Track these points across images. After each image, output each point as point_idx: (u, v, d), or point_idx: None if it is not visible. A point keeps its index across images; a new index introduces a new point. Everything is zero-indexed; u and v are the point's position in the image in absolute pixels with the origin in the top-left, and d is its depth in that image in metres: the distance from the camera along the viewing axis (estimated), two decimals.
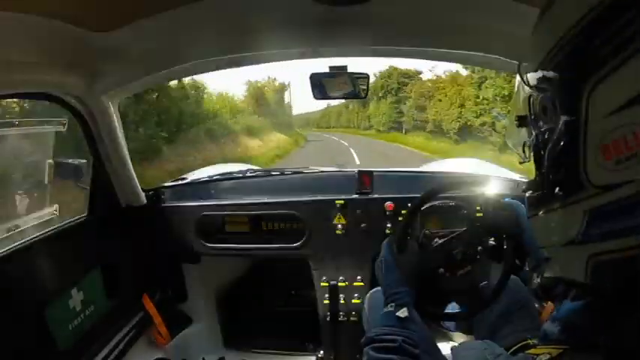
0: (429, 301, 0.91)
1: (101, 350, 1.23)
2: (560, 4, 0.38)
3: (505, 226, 0.91)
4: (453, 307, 1.11)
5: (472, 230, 0.93)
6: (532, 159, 0.45)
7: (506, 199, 0.98)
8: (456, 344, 0.95)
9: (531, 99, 0.43)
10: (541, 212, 0.44)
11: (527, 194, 0.47)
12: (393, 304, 0.77)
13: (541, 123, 0.42)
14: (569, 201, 0.38)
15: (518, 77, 0.48)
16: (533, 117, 0.44)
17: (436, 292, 0.93)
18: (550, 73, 0.39)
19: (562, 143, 0.38)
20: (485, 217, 1.04)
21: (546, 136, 0.41)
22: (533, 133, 0.44)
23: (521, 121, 0.47)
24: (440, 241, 0.93)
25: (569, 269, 0.42)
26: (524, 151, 0.48)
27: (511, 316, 0.98)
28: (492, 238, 0.96)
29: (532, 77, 0.42)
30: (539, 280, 0.79)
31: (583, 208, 0.37)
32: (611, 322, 0.40)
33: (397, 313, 0.74)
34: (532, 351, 0.48)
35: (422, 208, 1.01)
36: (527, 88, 0.44)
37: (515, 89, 0.51)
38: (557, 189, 0.39)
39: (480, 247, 0.91)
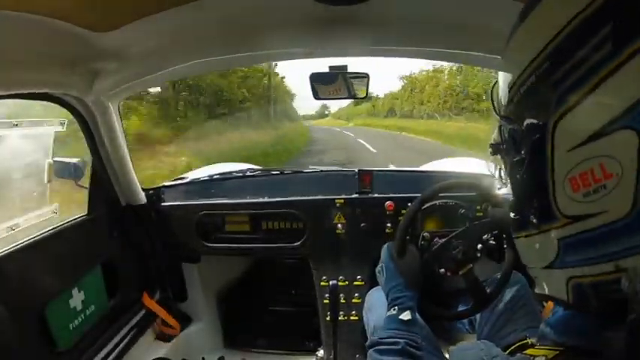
0: (432, 301, 0.91)
1: (101, 350, 1.23)
2: (527, 25, 0.37)
3: (504, 222, 0.91)
4: (457, 305, 1.12)
5: (472, 229, 0.94)
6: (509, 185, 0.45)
7: (505, 195, 0.98)
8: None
9: (502, 128, 0.44)
10: (522, 236, 0.44)
11: (511, 216, 0.46)
12: (396, 307, 0.78)
13: (512, 153, 0.41)
14: (543, 229, 0.39)
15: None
16: (504, 146, 0.44)
17: (438, 293, 0.93)
18: (516, 103, 0.39)
19: (531, 175, 0.37)
20: (485, 214, 1.05)
21: (518, 166, 0.40)
22: (507, 162, 0.44)
23: (494, 148, 0.47)
24: (440, 241, 0.93)
25: (552, 289, 0.42)
26: (500, 177, 0.48)
27: (512, 315, 0.98)
28: (492, 238, 0.96)
29: (502, 108, 0.42)
30: None
31: (556, 237, 0.37)
32: (601, 329, 0.40)
33: (400, 317, 0.76)
34: (529, 351, 0.48)
35: (422, 208, 1.01)
36: (496, 116, 0.44)
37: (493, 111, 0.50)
38: (531, 216, 0.39)
39: (480, 246, 0.91)
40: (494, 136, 0.46)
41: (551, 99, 0.33)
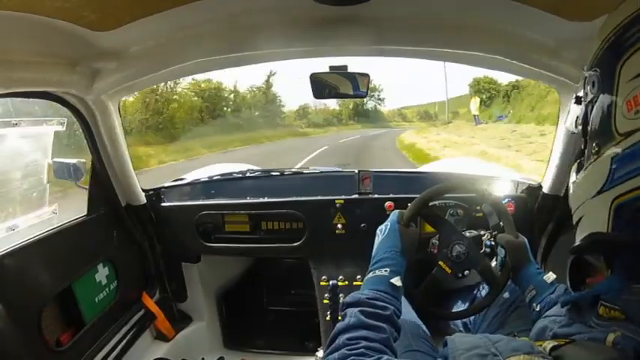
0: (426, 299, 0.91)
1: (101, 350, 1.23)
2: (607, 19, 0.53)
3: (512, 261, 0.92)
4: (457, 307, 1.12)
5: (474, 255, 0.94)
6: (581, 131, 0.57)
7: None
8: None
9: (586, 79, 0.55)
10: (580, 175, 0.55)
11: (573, 167, 0.59)
12: (387, 269, 0.74)
13: (590, 95, 0.54)
14: (602, 151, 0.49)
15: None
16: (585, 93, 0.56)
17: (435, 291, 0.94)
18: (599, 59, 0.52)
19: (602, 105, 0.50)
20: (485, 215, 1.05)
21: (593, 105, 0.53)
22: (584, 107, 0.56)
23: (577, 99, 0.61)
24: (459, 225, 0.94)
25: (596, 221, 0.50)
26: (576, 125, 0.61)
27: (506, 318, 0.98)
28: (491, 238, 0.97)
29: (588, 66, 0.56)
30: (537, 309, 0.82)
31: (611, 155, 0.47)
32: (627, 297, 0.46)
33: (392, 280, 0.72)
34: (537, 343, 0.48)
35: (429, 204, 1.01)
36: (585, 73, 0.56)
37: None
38: (594, 144, 0.51)
39: (467, 271, 0.92)
40: (578, 92, 0.61)
41: (621, 51, 0.47)
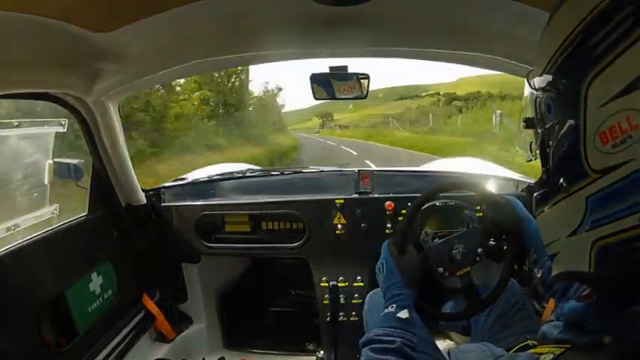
0: (428, 300, 0.91)
1: (101, 351, 1.23)
2: (561, 12, 0.42)
3: (505, 223, 0.91)
4: (451, 307, 1.12)
5: (473, 231, 0.93)
6: (538, 157, 0.48)
7: (503, 195, 0.98)
8: (453, 344, 0.95)
9: (537, 100, 0.47)
10: (547, 207, 0.47)
11: (535, 194, 0.49)
12: (394, 305, 0.77)
13: (546, 121, 0.45)
14: (573, 190, 0.41)
15: (526, 82, 0.50)
16: (539, 117, 0.47)
17: (435, 292, 0.93)
18: (554, 74, 0.43)
19: (565, 136, 0.41)
20: (485, 216, 1.05)
21: (551, 133, 0.44)
22: (539, 133, 0.47)
23: (528, 122, 0.50)
24: (440, 240, 0.93)
25: (575, 261, 0.43)
26: (530, 151, 0.52)
27: (509, 319, 0.98)
28: (492, 239, 0.96)
29: (538, 80, 0.46)
30: (539, 275, 0.80)
31: (585, 195, 0.39)
32: (616, 321, 0.41)
33: (398, 315, 0.74)
34: (534, 350, 0.48)
35: (422, 208, 1.01)
36: (533, 92, 0.47)
37: (525, 94, 0.54)
38: (561, 180, 0.42)
39: (480, 250, 0.91)
40: (525, 113, 0.51)
41: (584, 64, 0.38)
